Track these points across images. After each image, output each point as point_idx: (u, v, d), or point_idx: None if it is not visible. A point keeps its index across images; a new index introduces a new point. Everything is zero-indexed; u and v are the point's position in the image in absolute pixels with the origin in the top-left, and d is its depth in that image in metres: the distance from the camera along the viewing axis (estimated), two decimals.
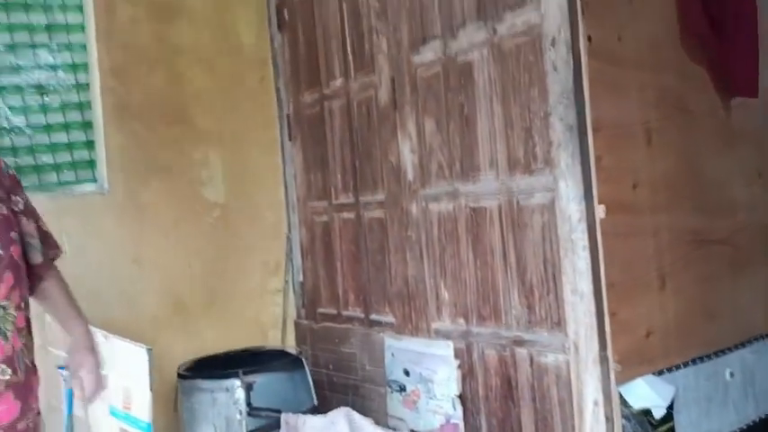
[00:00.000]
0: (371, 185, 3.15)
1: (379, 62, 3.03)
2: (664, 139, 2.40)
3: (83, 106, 3.31)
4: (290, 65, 3.65)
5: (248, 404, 2.77)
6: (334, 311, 3.44)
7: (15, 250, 1.77)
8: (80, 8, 3.32)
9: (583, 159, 2.19)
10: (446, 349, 2.69)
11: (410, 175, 2.90)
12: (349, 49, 3.22)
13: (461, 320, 2.68)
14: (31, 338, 1.85)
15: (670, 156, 2.43)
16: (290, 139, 3.70)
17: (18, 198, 1.87)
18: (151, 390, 2.35)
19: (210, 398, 2.84)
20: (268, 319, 3.65)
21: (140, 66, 3.32)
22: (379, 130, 3.07)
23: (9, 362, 1.71)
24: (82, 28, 3.32)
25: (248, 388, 2.86)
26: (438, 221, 2.78)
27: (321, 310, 3.54)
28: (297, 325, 3.68)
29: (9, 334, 1.72)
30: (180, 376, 3.02)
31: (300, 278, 3.68)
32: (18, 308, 1.75)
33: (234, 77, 3.59)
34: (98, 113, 3.27)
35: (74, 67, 3.30)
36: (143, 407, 2.39)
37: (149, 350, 2.36)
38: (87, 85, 3.32)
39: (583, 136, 2.19)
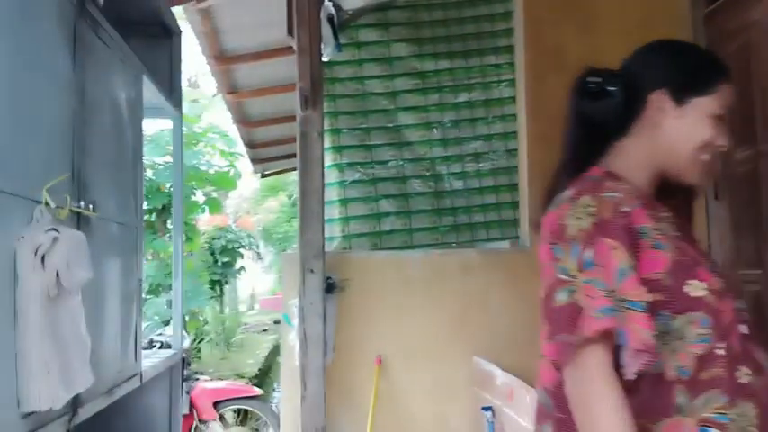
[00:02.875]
0: None
1: None
2: None
3: (510, 171, 3.68)
4: None
5: None
6: None
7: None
8: (512, 82, 3.72)
9: None
10: None
11: None
12: None
13: None
14: None
15: None
16: (716, 199, 3.43)
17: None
18: None
19: None
20: None
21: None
22: None
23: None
24: (513, 100, 3.71)
25: None
26: None
27: None
28: None
29: None
30: None
31: None
32: None
33: None
34: (524, 177, 3.58)
35: (505, 136, 3.70)
36: None
37: None
38: (515, 151, 3.68)
39: None
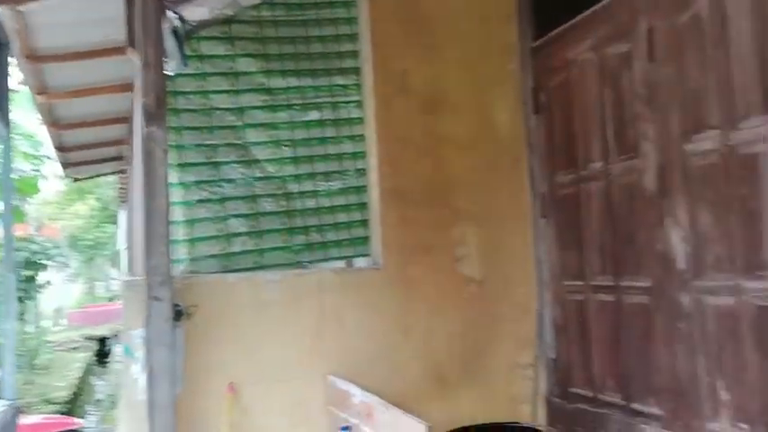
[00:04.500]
0: (633, 270, 3.12)
1: (645, 148, 3.02)
2: None
3: (360, 190, 3.75)
4: (544, 146, 3.77)
5: None
6: (589, 393, 3.41)
7: None
8: (360, 103, 3.80)
9: None
10: None
11: (681, 264, 2.83)
12: (610, 133, 3.26)
13: (744, 426, 2.52)
14: None
15: None
16: (543, 217, 3.80)
17: None
18: None
19: None
20: (519, 393, 3.72)
21: (410, 153, 3.66)
22: (643, 214, 3.05)
23: None
24: (362, 121, 3.78)
25: None
26: (715, 315, 2.67)
27: (574, 389, 3.53)
28: (548, 402, 3.71)
29: None
30: None
31: (552, 355, 3.71)
32: None
33: (490, 160, 3.81)
34: (374, 196, 3.67)
35: (354, 156, 3.76)
36: None
37: (429, 427, 2.56)
38: (364, 170, 3.76)
39: None
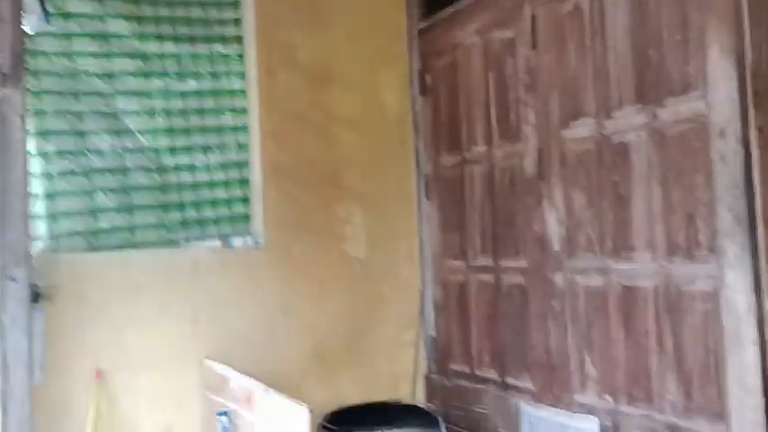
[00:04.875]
0: (512, 251, 3.22)
1: (526, 133, 3.11)
2: None
3: (241, 165, 3.59)
4: (430, 128, 3.80)
5: None
6: (467, 370, 3.51)
7: None
8: (242, 75, 3.62)
9: (752, 251, 2.17)
10: (591, 424, 2.69)
11: (556, 246, 2.95)
12: (493, 117, 3.33)
13: (608, 397, 2.68)
14: None
15: None
16: (427, 199, 3.83)
17: None
18: None
19: None
20: (400, 371, 3.76)
21: (295, 129, 3.55)
22: (522, 197, 3.14)
23: None
24: (244, 93, 3.61)
25: None
26: (585, 295, 2.81)
27: (453, 367, 3.62)
28: (428, 380, 3.78)
29: None
30: (324, 428, 3.18)
31: (433, 333, 3.78)
32: None
33: (377, 139, 3.78)
34: (256, 172, 3.53)
35: (235, 129, 3.59)
36: None
37: (311, 410, 2.51)
38: (246, 145, 3.60)
39: (753, 227, 2.18)
